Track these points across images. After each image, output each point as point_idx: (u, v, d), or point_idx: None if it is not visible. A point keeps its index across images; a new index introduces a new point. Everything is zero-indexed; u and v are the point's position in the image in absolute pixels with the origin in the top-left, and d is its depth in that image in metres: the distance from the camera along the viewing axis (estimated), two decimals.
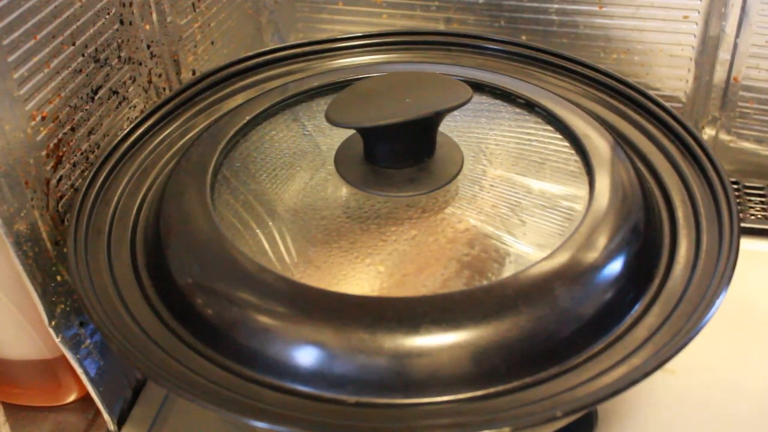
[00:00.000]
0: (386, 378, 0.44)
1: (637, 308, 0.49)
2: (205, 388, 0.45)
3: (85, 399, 0.64)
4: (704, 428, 0.62)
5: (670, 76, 0.80)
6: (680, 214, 0.54)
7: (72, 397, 0.66)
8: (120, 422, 0.64)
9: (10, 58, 0.51)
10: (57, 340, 0.57)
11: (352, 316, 0.45)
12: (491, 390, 0.44)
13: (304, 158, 0.57)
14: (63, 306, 0.57)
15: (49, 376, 0.64)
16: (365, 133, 0.54)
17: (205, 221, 0.52)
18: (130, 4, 0.64)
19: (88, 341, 0.59)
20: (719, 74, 0.78)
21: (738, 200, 0.81)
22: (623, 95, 0.64)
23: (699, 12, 0.76)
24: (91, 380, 0.60)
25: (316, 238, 0.51)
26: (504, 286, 0.46)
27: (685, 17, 0.76)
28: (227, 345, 0.47)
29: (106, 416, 0.62)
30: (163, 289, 0.52)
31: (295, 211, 0.53)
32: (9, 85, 0.52)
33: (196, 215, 0.52)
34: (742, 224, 0.78)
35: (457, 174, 0.54)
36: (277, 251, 0.50)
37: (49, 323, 0.56)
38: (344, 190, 0.54)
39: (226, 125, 0.59)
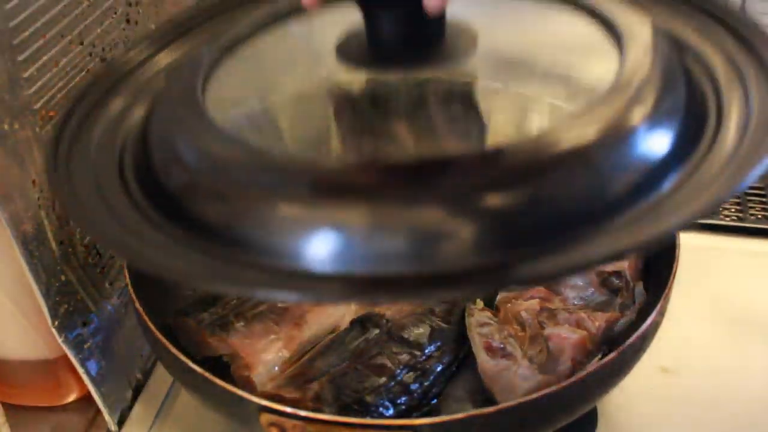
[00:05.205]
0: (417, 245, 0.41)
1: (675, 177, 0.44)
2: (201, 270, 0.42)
3: (85, 399, 0.64)
4: (704, 428, 0.62)
5: None
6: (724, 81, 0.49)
7: (72, 397, 0.65)
8: (120, 422, 0.64)
9: (20, 57, 0.51)
10: (60, 340, 0.57)
11: (369, 185, 0.41)
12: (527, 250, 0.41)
13: (302, 55, 0.55)
14: (66, 306, 0.57)
15: (50, 376, 0.64)
16: (365, 2, 0.49)
17: (192, 103, 0.48)
18: (137, 4, 0.64)
19: (90, 342, 0.59)
20: None
21: (738, 200, 0.81)
22: None
23: None
24: (93, 380, 0.60)
25: (320, 119, 0.49)
26: (535, 146, 0.42)
27: None
28: (228, 236, 0.43)
29: (106, 416, 0.63)
30: (152, 191, 0.47)
31: (296, 99, 0.51)
32: (19, 84, 0.52)
33: (184, 101, 0.48)
34: (742, 224, 0.79)
35: (473, 50, 0.50)
36: (278, 133, 0.49)
37: (53, 323, 0.56)
38: (350, 74, 0.50)
39: (215, 38, 0.55)
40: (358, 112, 0.49)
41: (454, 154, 0.43)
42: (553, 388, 0.49)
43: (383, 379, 0.55)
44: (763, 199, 0.81)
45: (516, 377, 0.54)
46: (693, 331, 0.69)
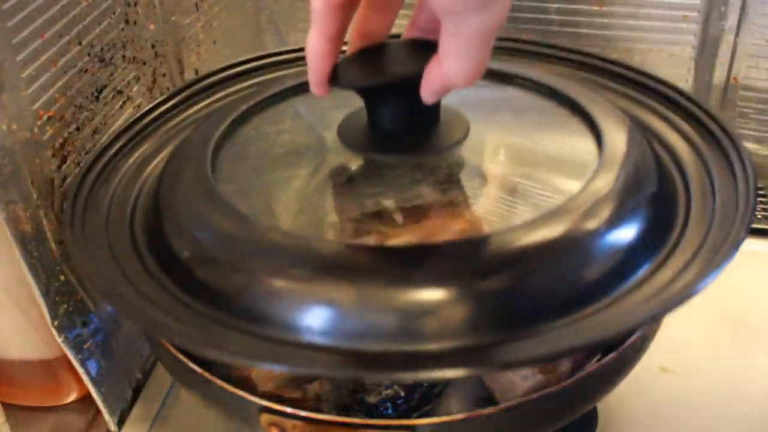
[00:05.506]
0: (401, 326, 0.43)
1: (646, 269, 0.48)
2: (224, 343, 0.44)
3: (85, 399, 0.64)
4: (704, 428, 0.62)
5: (670, 76, 0.79)
6: (693, 177, 0.54)
7: (72, 397, 0.65)
8: (120, 422, 0.64)
9: (19, 57, 0.51)
10: (59, 340, 0.57)
11: (361, 266, 0.45)
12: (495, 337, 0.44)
13: (305, 135, 0.58)
14: (66, 306, 0.57)
15: (49, 376, 0.64)
16: (368, 93, 0.52)
17: (203, 182, 0.51)
18: (135, 4, 0.64)
19: (90, 341, 0.59)
20: (719, 74, 0.78)
21: None
22: (628, 79, 0.64)
23: (699, 12, 0.76)
24: (93, 380, 0.60)
25: (319, 198, 0.52)
26: (515, 236, 0.45)
27: (685, 17, 0.77)
28: (238, 309, 0.46)
29: (106, 416, 0.62)
30: (163, 260, 0.51)
31: (298, 176, 0.53)
32: (17, 85, 0.52)
33: (194, 179, 0.52)
34: None
35: (463, 138, 0.52)
36: (280, 210, 0.51)
37: (52, 323, 0.56)
38: (349, 156, 0.53)
39: (224, 113, 0.59)
40: (356, 193, 0.52)
41: (440, 242, 0.46)
42: (553, 388, 0.49)
43: None
44: (764, 199, 0.81)
45: (516, 377, 0.54)
46: (693, 331, 0.68)
